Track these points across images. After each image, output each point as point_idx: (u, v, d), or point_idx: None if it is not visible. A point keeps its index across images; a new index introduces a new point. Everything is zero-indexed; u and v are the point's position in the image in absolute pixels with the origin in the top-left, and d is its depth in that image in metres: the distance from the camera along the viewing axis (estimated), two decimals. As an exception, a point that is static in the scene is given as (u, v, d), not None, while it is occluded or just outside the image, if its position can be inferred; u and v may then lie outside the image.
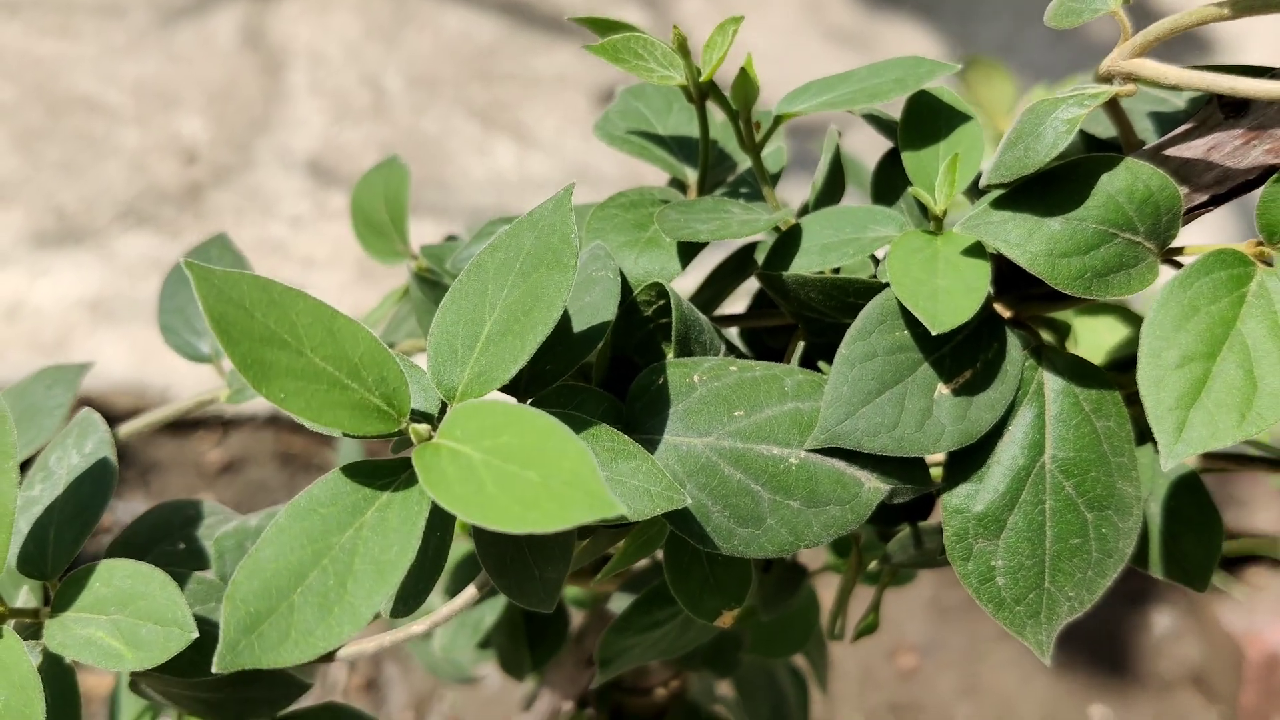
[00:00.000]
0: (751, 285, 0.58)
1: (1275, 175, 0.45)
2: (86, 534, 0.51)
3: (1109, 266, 0.46)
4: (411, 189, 0.73)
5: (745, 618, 0.69)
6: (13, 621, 0.48)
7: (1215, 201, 0.48)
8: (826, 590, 0.84)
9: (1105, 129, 0.53)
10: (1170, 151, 0.48)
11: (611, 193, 0.56)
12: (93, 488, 0.52)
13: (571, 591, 0.86)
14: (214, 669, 0.40)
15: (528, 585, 0.47)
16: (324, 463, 1.79)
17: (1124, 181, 0.46)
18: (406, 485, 0.42)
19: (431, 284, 0.63)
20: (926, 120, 0.52)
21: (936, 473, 0.49)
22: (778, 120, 0.54)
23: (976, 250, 0.47)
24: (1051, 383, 0.49)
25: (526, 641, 0.80)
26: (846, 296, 0.50)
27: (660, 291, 0.51)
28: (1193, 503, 0.57)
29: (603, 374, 0.52)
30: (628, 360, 0.52)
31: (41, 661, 0.47)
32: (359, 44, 2.35)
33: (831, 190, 0.57)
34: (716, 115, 0.57)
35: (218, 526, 0.57)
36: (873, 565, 0.71)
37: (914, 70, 0.52)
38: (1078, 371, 0.49)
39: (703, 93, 0.52)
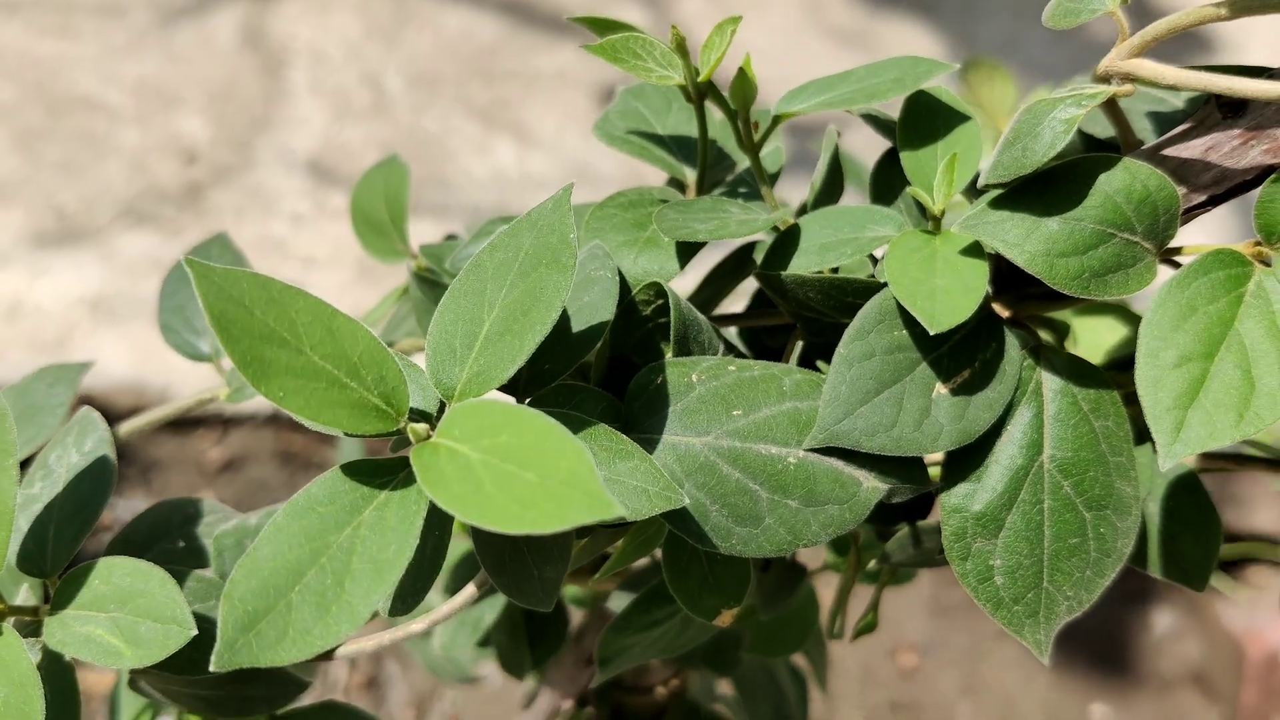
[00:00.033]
0: (751, 284, 0.58)
1: (1273, 175, 0.45)
2: (86, 532, 0.51)
3: (1107, 266, 0.46)
4: (412, 188, 0.73)
5: (745, 617, 0.69)
6: (12, 619, 0.48)
7: (1213, 201, 0.48)
8: (826, 589, 0.84)
9: (1104, 129, 0.53)
10: (1168, 151, 0.48)
11: (612, 191, 0.56)
12: (92, 486, 0.52)
13: (571, 590, 0.86)
14: (212, 667, 0.40)
15: (526, 584, 0.47)
16: (324, 461, 1.79)
17: (1122, 181, 0.46)
18: (405, 484, 0.42)
19: (431, 283, 0.63)
20: (925, 120, 0.52)
21: (935, 472, 0.50)
22: (776, 120, 0.54)
23: (975, 250, 0.47)
24: (1050, 382, 0.49)
25: (526, 640, 0.80)
26: (845, 296, 0.50)
27: (659, 291, 0.51)
28: (1191, 503, 0.57)
29: (601, 373, 0.52)
30: (626, 360, 0.52)
31: (41, 659, 0.47)
32: (359, 43, 2.35)
33: (830, 190, 0.57)
34: (716, 115, 0.57)
35: (217, 525, 0.57)
36: (872, 564, 0.71)
37: (912, 70, 0.52)
38: (1076, 371, 0.49)
39: (701, 93, 0.52)
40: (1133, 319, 0.65)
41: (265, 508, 0.57)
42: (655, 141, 0.60)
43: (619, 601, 0.73)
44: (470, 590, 0.50)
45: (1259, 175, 0.46)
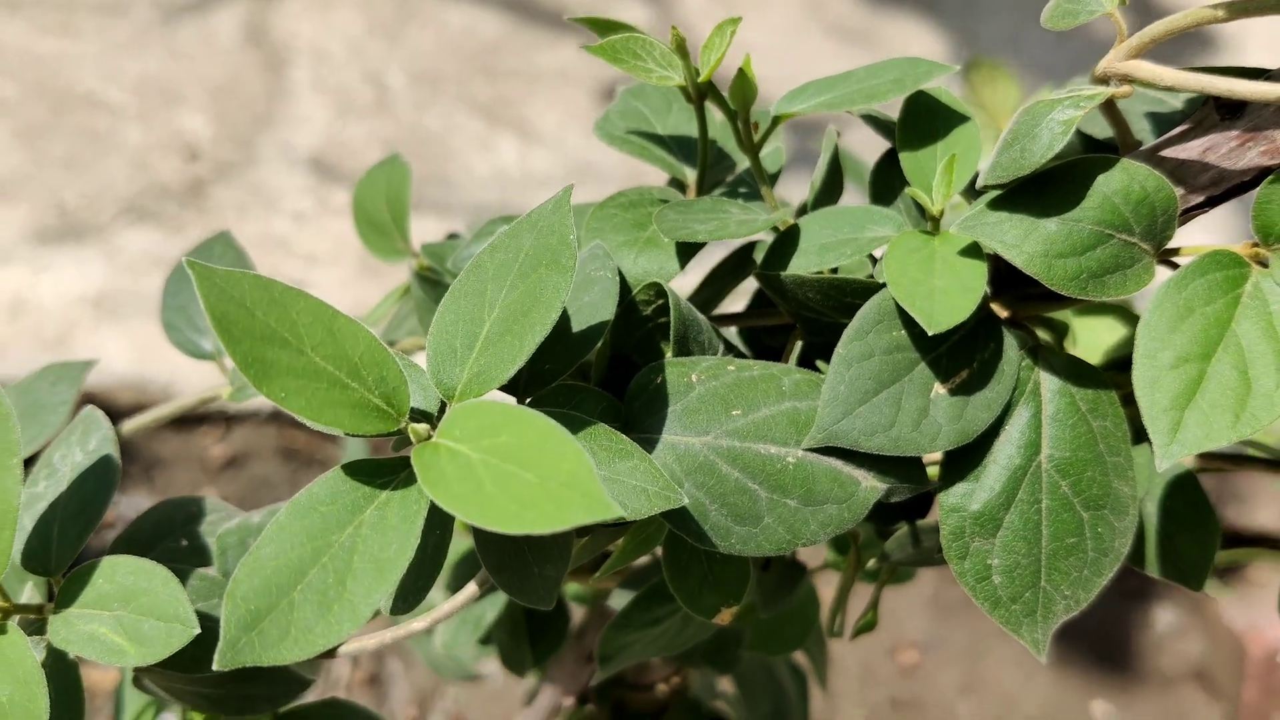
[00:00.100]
0: (751, 284, 0.59)
1: (1270, 177, 0.45)
2: (90, 531, 0.51)
3: (1105, 267, 0.46)
4: (414, 185, 0.73)
5: (745, 615, 0.69)
6: (17, 617, 0.48)
7: (1211, 203, 0.48)
8: (826, 587, 0.85)
9: (1102, 129, 0.53)
10: (1167, 152, 0.49)
11: (613, 189, 0.56)
12: (96, 485, 0.52)
13: (572, 588, 0.86)
14: (215, 666, 0.40)
15: (527, 583, 0.47)
16: (327, 458, 1.79)
17: (1120, 182, 0.46)
18: (406, 484, 0.42)
19: (432, 283, 0.64)
20: (924, 121, 0.52)
21: (934, 471, 0.50)
22: (776, 121, 0.54)
23: (973, 250, 0.47)
24: (1048, 382, 0.49)
25: (527, 638, 0.80)
26: (844, 296, 0.50)
27: (659, 291, 0.51)
28: (1189, 502, 0.58)
29: (602, 373, 0.52)
30: (626, 359, 0.52)
31: (45, 657, 0.48)
32: (361, 40, 2.35)
33: (830, 190, 0.57)
34: (716, 115, 0.57)
35: (220, 523, 0.57)
36: (871, 563, 0.71)
37: (912, 71, 0.53)
38: (1074, 371, 0.49)
39: (701, 93, 0.53)
40: (1132, 319, 0.65)
41: (268, 506, 0.58)
42: (656, 141, 0.60)
43: (620, 599, 0.74)
44: (471, 589, 0.50)
45: (1256, 176, 0.46)
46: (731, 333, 0.63)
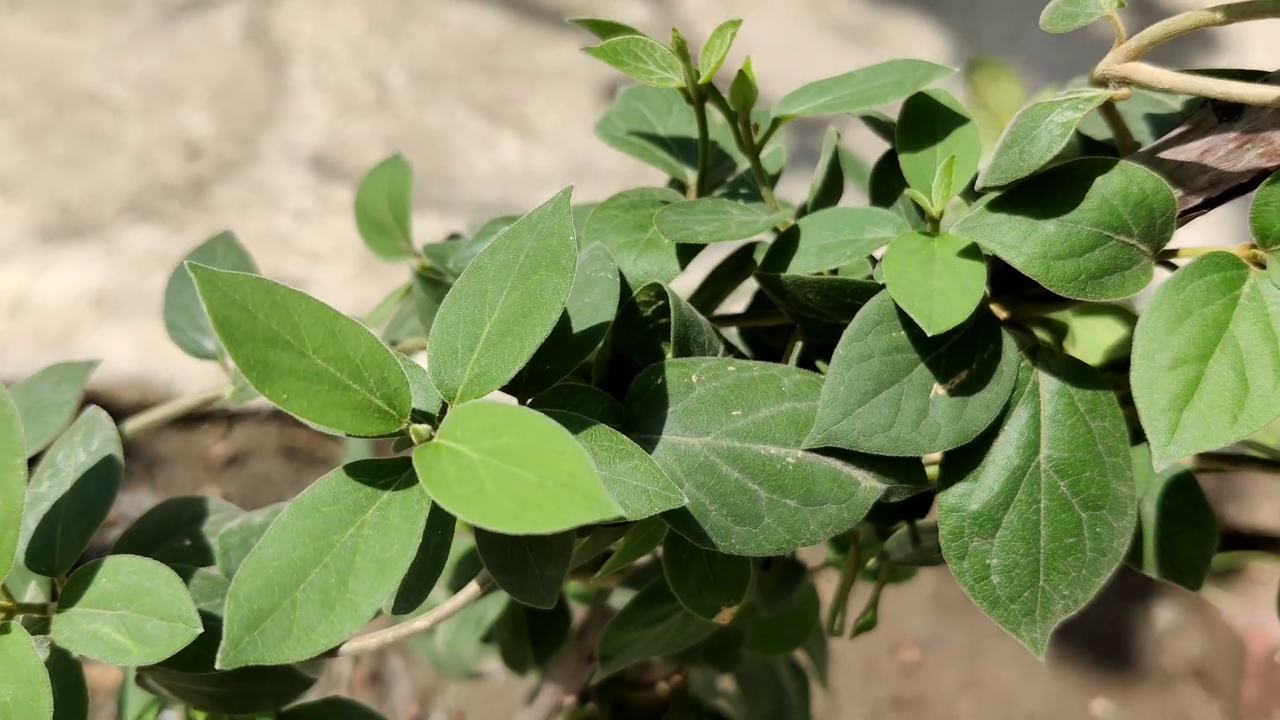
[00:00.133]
0: (752, 284, 0.59)
1: (1268, 179, 0.45)
2: (93, 530, 0.51)
3: (1103, 269, 0.46)
4: (415, 183, 0.74)
5: (745, 614, 0.70)
6: (20, 617, 0.48)
7: (1209, 204, 0.48)
8: (827, 586, 0.85)
9: (1101, 131, 0.54)
10: (1165, 154, 0.49)
11: (615, 187, 0.56)
12: (99, 485, 0.53)
13: (573, 587, 0.86)
14: (218, 665, 0.40)
15: (528, 582, 0.48)
16: (329, 456, 1.80)
17: (1119, 184, 0.46)
18: (407, 484, 0.43)
19: (434, 283, 0.64)
20: (924, 122, 0.52)
21: (933, 471, 0.50)
22: (776, 123, 0.54)
23: (972, 252, 0.48)
24: (1047, 383, 0.49)
25: (529, 637, 0.80)
26: (844, 297, 0.50)
27: (659, 292, 0.51)
28: (1187, 502, 0.58)
29: (602, 373, 0.52)
30: (627, 360, 0.53)
31: (49, 656, 0.48)
32: (362, 39, 2.36)
33: (830, 191, 0.57)
34: (717, 116, 0.57)
35: (223, 523, 0.57)
36: (871, 563, 0.71)
37: (911, 73, 0.53)
38: (1073, 372, 0.49)
39: (702, 95, 0.53)
40: (1131, 319, 0.65)
41: (270, 506, 0.58)
42: (656, 143, 0.60)
43: (621, 598, 0.74)
44: (473, 588, 0.51)
45: (1254, 178, 0.47)
46: (732, 333, 0.64)
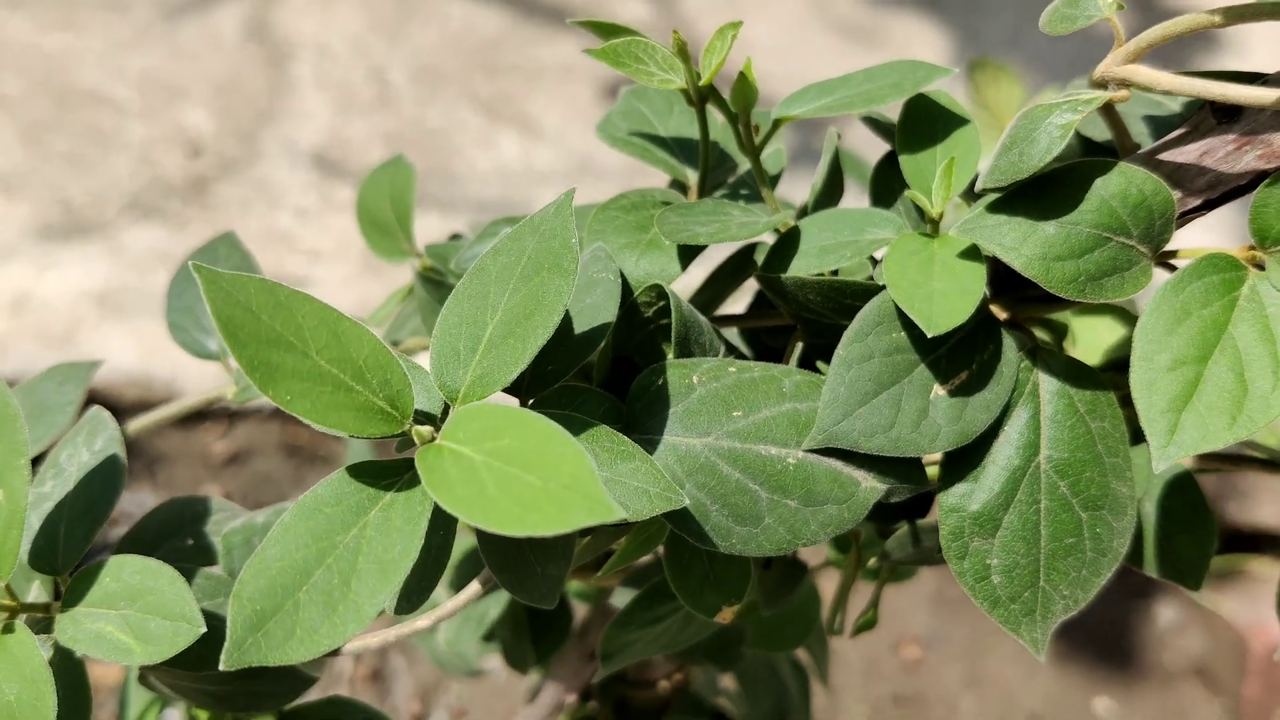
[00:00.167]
0: (753, 283, 0.59)
1: (1267, 180, 0.45)
2: (96, 530, 0.52)
3: (1102, 270, 0.46)
4: (417, 181, 0.74)
5: (746, 613, 0.70)
6: (24, 616, 0.49)
7: (1208, 206, 0.49)
8: (828, 584, 0.85)
9: (1101, 132, 0.54)
10: (1164, 156, 0.49)
11: (616, 185, 0.57)
12: (103, 484, 0.53)
13: (575, 585, 0.86)
14: (221, 666, 0.40)
15: (529, 581, 0.48)
16: (330, 454, 1.80)
17: (1118, 186, 0.47)
18: (410, 485, 0.43)
19: (436, 283, 0.64)
20: (923, 124, 0.52)
21: (933, 471, 0.50)
22: (777, 124, 0.55)
23: (972, 253, 0.48)
24: (1047, 384, 0.49)
25: (530, 636, 0.80)
26: (844, 298, 0.50)
27: (660, 293, 0.51)
28: (1187, 503, 0.58)
29: (604, 374, 0.53)
30: (629, 361, 0.53)
31: (52, 655, 0.48)
32: (363, 37, 2.36)
33: (830, 192, 0.57)
34: (718, 116, 0.57)
35: (225, 522, 0.58)
36: (872, 562, 0.72)
37: (911, 74, 0.53)
38: (1073, 373, 0.50)
39: (703, 96, 0.53)
40: (1131, 319, 0.65)
41: (273, 505, 0.58)
42: (657, 143, 0.60)
43: (622, 596, 0.74)
44: (474, 587, 0.51)
45: (1253, 180, 0.47)
46: (733, 333, 0.64)
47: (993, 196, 0.49)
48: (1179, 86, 0.45)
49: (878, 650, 1.70)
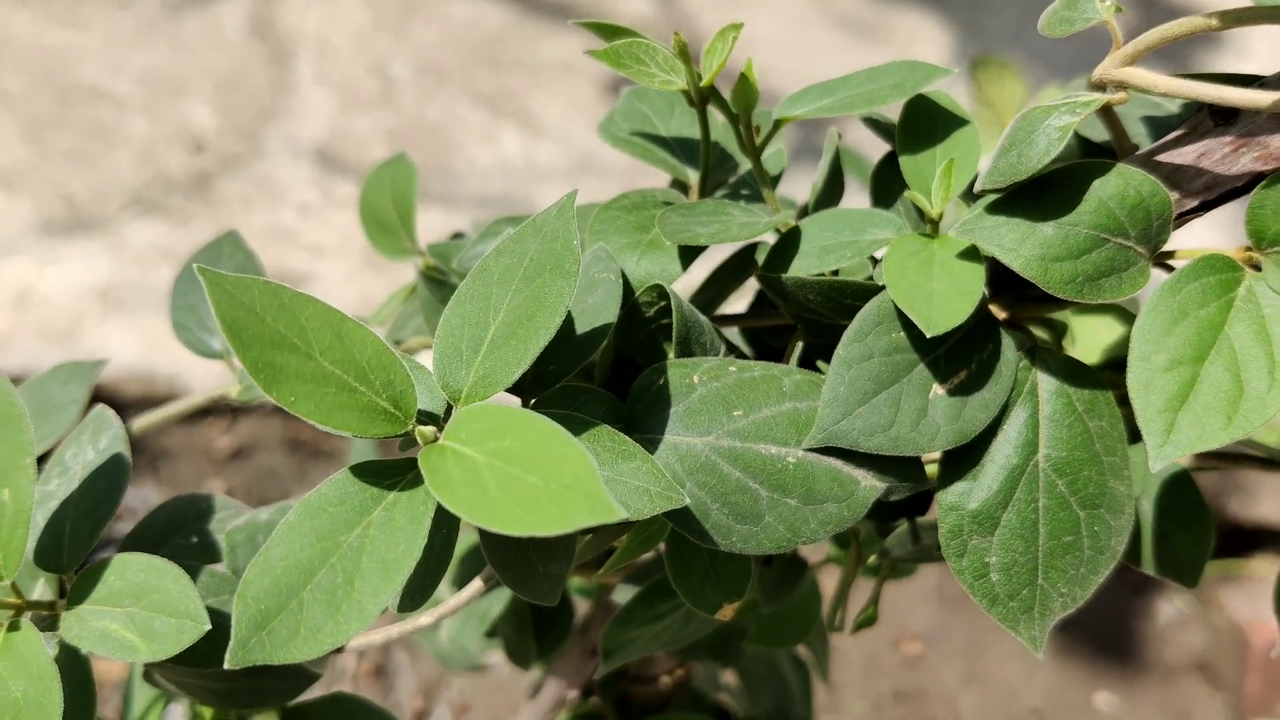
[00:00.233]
0: (754, 283, 0.59)
1: (1264, 182, 0.45)
2: (101, 529, 0.52)
3: (1100, 271, 0.47)
4: (419, 177, 0.74)
5: (747, 610, 0.70)
6: (30, 614, 0.49)
7: (1205, 207, 0.49)
8: (829, 581, 0.85)
9: (1100, 133, 0.54)
10: (1162, 157, 0.49)
11: (618, 182, 0.57)
12: (107, 483, 0.53)
13: (576, 582, 0.87)
14: (226, 665, 0.41)
15: (531, 579, 0.48)
16: (333, 449, 1.80)
17: (1116, 187, 0.47)
18: (413, 485, 0.43)
19: (439, 283, 0.64)
20: (923, 124, 0.53)
21: (933, 470, 0.50)
22: (777, 125, 0.55)
23: (971, 254, 0.48)
24: (1045, 383, 0.50)
25: (532, 632, 0.81)
26: (844, 298, 0.51)
27: (661, 293, 0.52)
28: (1184, 501, 0.58)
29: (605, 374, 0.53)
30: (630, 360, 0.53)
31: (58, 653, 0.48)
32: (366, 33, 2.36)
33: (831, 192, 0.57)
34: (719, 116, 0.58)
35: (229, 520, 0.58)
36: (872, 559, 0.72)
37: (911, 75, 0.53)
38: (1071, 372, 0.50)
39: (704, 97, 0.53)
40: (1130, 318, 0.66)
41: (276, 503, 0.58)
42: (659, 143, 0.61)
43: (624, 593, 0.74)
44: (477, 584, 0.51)
45: (1250, 181, 0.47)
46: (733, 332, 0.64)
47: (992, 197, 0.49)
48: (1176, 89, 0.45)
49: (879, 646, 1.70)
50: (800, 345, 0.58)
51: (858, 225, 0.53)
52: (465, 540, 0.76)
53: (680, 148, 0.60)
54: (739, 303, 0.64)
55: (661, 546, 0.55)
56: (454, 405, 0.44)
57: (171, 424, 1.78)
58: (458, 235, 0.72)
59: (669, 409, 0.48)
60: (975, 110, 1.11)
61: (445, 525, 0.46)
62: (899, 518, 0.63)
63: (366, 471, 0.44)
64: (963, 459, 0.49)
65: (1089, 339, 0.65)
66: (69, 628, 0.48)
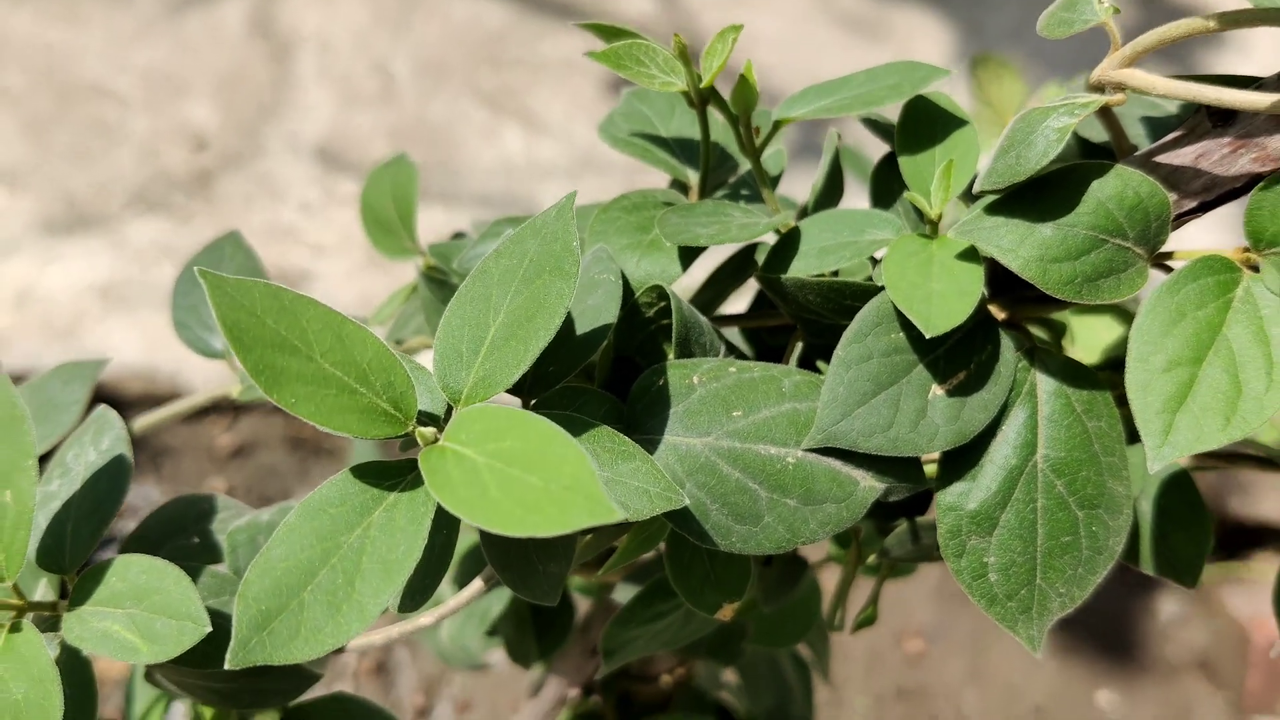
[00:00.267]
0: (754, 283, 0.59)
1: (1262, 183, 0.45)
2: (103, 529, 0.52)
3: (1099, 271, 0.47)
4: (420, 175, 0.74)
5: (747, 610, 0.70)
6: (31, 615, 0.49)
7: (1203, 208, 0.49)
8: (829, 579, 0.85)
9: (1099, 133, 0.54)
10: (1160, 158, 0.49)
11: (618, 180, 0.57)
12: (109, 484, 0.53)
13: (577, 580, 0.87)
14: (227, 665, 0.41)
15: (532, 579, 0.48)
16: (334, 448, 1.80)
17: (1114, 188, 0.47)
18: (413, 486, 0.43)
19: (439, 283, 0.64)
20: (922, 125, 0.53)
21: (932, 470, 0.50)
22: (777, 126, 0.55)
23: (970, 254, 0.48)
24: (1044, 384, 0.50)
25: (533, 631, 0.81)
26: (844, 299, 0.51)
27: (661, 293, 0.52)
28: (1183, 501, 0.58)
29: (605, 375, 0.53)
30: (630, 361, 0.53)
31: (59, 654, 0.48)
32: (367, 30, 2.36)
33: (830, 193, 0.57)
34: (719, 117, 0.58)
35: (230, 521, 0.58)
36: (872, 559, 0.72)
37: (910, 76, 0.53)
38: (1070, 373, 0.50)
39: (703, 98, 0.53)
40: (1129, 317, 0.66)
41: (278, 504, 0.59)
42: (659, 144, 0.61)
43: (625, 592, 0.74)
44: (477, 584, 0.51)
45: (1248, 182, 0.47)
46: (733, 333, 0.64)
47: (991, 198, 0.49)
48: (1174, 91, 0.45)
49: (881, 643, 1.70)
50: (800, 346, 0.59)
51: (857, 226, 0.53)
52: (465, 540, 0.76)
53: (680, 148, 0.61)
54: (739, 303, 0.64)
55: (662, 546, 0.55)
56: (454, 406, 0.44)
57: (173, 422, 1.78)
58: (459, 235, 0.72)
59: (669, 410, 0.49)
60: (975, 109, 1.11)
61: (445, 525, 0.47)
62: (898, 518, 0.63)
63: (367, 472, 0.44)
64: (961, 459, 0.49)
65: (1088, 338, 0.66)
66: (70, 629, 0.48)
